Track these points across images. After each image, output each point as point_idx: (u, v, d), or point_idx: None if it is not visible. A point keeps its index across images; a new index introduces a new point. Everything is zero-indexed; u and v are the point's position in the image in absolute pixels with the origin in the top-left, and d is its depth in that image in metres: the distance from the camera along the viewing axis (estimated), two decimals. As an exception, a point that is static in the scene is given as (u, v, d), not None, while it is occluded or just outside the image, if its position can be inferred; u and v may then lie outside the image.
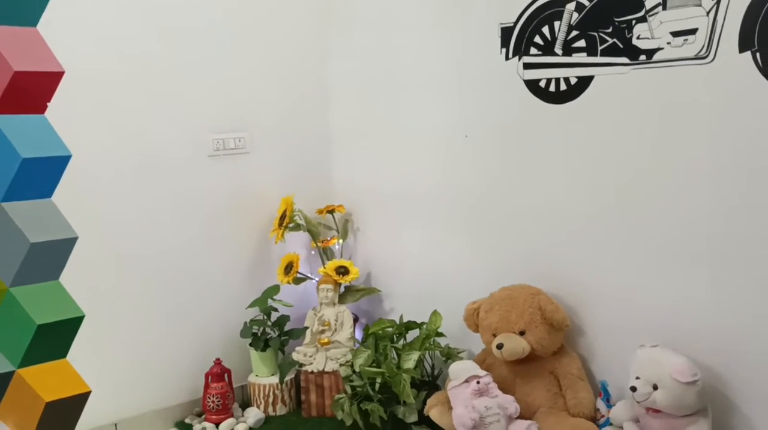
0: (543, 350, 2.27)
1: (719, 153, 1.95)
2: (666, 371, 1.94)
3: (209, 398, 2.72)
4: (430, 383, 2.64)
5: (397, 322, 2.69)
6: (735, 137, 1.92)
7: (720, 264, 1.99)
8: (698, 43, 1.96)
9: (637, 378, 1.99)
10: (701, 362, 2.01)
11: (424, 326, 2.59)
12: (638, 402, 1.99)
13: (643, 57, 2.08)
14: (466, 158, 2.61)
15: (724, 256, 1.98)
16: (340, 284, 2.92)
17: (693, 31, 1.97)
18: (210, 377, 2.74)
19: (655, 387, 1.95)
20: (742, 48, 1.88)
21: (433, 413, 2.32)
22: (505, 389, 2.29)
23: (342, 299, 2.93)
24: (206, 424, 2.70)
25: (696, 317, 2.06)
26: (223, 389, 2.73)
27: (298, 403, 2.89)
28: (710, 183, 1.98)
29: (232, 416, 2.74)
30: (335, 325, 2.85)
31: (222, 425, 2.68)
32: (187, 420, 2.78)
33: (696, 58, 1.97)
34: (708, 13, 1.93)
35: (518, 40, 2.38)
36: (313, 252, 3.11)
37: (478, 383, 2.21)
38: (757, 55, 1.85)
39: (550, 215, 2.38)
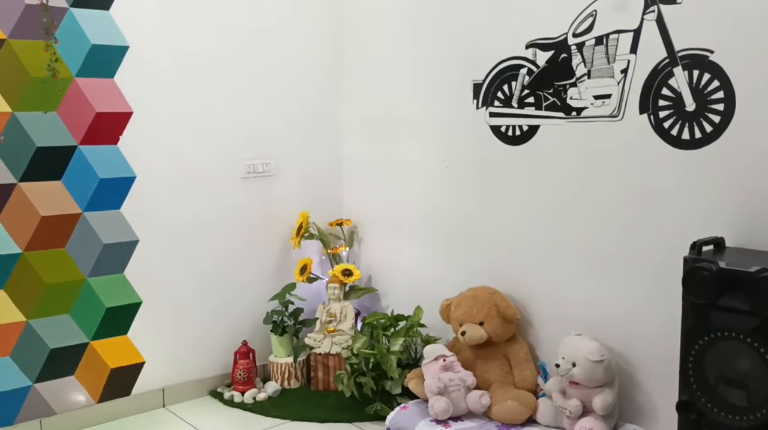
0: (497, 337, 2.89)
1: (624, 188, 2.57)
2: (582, 352, 2.54)
3: (237, 372, 3.36)
4: (413, 365, 3.25)
5: (389, 315, 3.32)
6: (635, 175, 2.54)
7: (628, 274, 2.60)
8: (612, 105, 2.59)
9: (562, 358, 2.60)
10: (612, 348, 2.63)
11: (409, 318, 3.23)
12: (561, 376, 2.60)
13: (574, 113, 2.71)
14: (446, 186, 3.24)
15: (631, 268, 2.59)
16: (345, 284, 3.55)
17: (608, 96, 2.59)
18: (238, 355, 3.37)
19: (574, 365, 2.56)
20: (642, 111, 2.50)
21: (411, 384, 2.94)
22: (467, 367, 2.91)
23: (346, 296, 3.57)
24: (234, 392, 3.33)
25: (610, 314, 2.67)
26: (248, 365, 3.37)
27: (308, 379, 3.51)
28: (617, 210, 2.60)
29: (255, 387, 3.38)
30: (340, 317, 3.48)
31: (246, 394, 3.30)
32: (219, 389, 3.41)
33: (610, 116, 2.60)
34: (618, 83, 2.56)
35: (485, 94, 3.02)
36: (324, 257, 3.74)
37: (444, 360, 2.84)
38: (651, 116, 2.48)
39: (507, 233, 3.00)
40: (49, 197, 2.89)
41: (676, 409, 2.17)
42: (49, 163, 2.88)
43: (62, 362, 2.99)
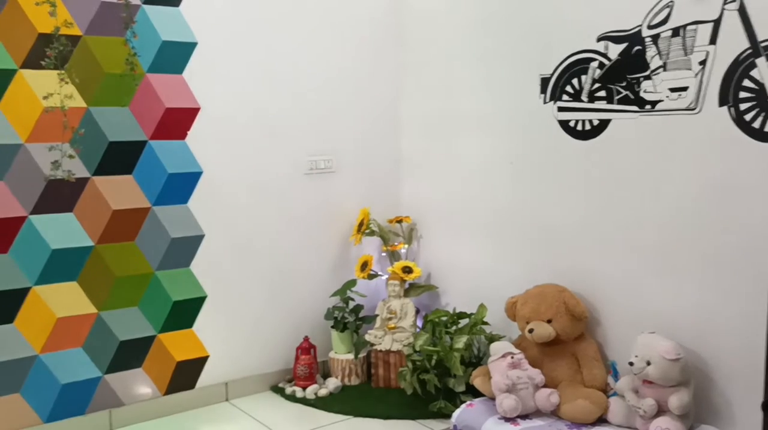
0: (566, 335, 2.85)
1: (701, 182, 2.51)
2: (656, 351, 2.48)
3: (299, 367, 3.37)
4: (476, 363, 3.22)
5: (451, 313, 3.30)
6: (713, 169, 2.47)
7: (702, 273, 2.54)
8: (689, 98, 2.53)
9: (636, 356, 2.54)
10: (688, 347, 2.56)
11: (472, 316, 3.20)
12: (635, 375, 2.54)
13: (648, 106, 2.66)
14: (509, 182, 3.20)
15: (706, 264, 2.52)
16: (405, 281, 3.53)
17: (685, 89, 2.53)
18: (300, 351, 3.38)
19: (648, 363, 2.50)
20: (721, 103, 2.44)
21: (477, 381, 2.90)
22: (535, 365, 2.86)
23: (406, 293, 3.55)
24: (295, 388, 3.34)
25: (685, 313, 2.60)
26: (309, 360, 3.38)
27: (368, 375, 3.50)
28: (692, 205, 2.54)
29: (316, 383, 3.39)
30: (400, 314, 3.46)
31: (308, 390, 3.31)
32: (280, 384, 3.42)
33: (687, 109, 2.54)
34: (696, 75, 2.50)
35: (554, 88, 2.98)
36: (383, 254, 3.72)
37: (512, 357, 2.80)
38: (732, 109, 2.41)
39: (574, 229, 2.95)
40: (121, 191, 2.94)
41: (762, 408, 2.10)
42: (120, 158, 2.93)
43: (131, 354, 3.03)
